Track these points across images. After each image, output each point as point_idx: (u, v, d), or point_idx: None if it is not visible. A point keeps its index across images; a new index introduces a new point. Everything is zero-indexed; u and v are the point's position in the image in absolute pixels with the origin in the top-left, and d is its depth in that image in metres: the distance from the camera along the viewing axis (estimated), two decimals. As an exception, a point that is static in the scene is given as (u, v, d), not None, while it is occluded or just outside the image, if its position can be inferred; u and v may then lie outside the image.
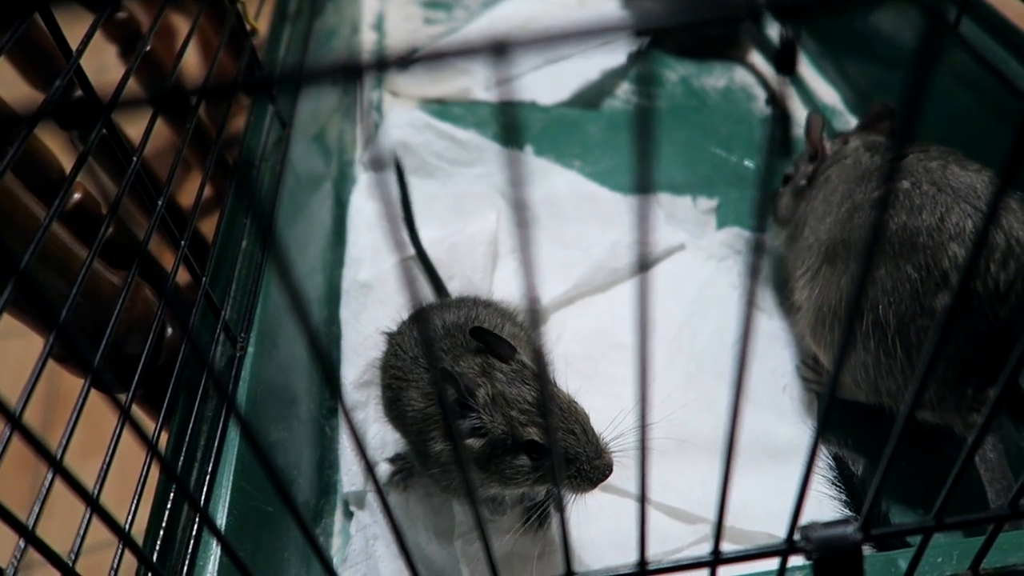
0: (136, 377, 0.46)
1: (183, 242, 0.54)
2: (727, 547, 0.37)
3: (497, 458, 0.54)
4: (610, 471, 0.54)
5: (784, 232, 0.79)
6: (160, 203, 0.51)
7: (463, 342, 0.59)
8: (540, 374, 0.54)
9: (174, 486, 0.49)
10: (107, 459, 0.41)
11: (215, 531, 0.32)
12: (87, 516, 0.37)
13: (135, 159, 0.49)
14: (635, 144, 0.24)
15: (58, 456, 0.37)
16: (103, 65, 1.10)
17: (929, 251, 0.58)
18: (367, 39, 1.34)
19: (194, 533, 0.48)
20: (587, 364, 0.78)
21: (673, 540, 0.65)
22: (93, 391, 0.45)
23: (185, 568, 0.47)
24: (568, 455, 0.53)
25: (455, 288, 0.82)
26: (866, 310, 0.60)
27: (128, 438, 0.48)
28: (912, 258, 0.58)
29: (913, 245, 0.58)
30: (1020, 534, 0.45)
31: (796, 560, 0.40)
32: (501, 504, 0.66)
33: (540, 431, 0.53)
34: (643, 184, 0.25)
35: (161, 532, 0.48)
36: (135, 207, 0.86)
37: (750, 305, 0.31)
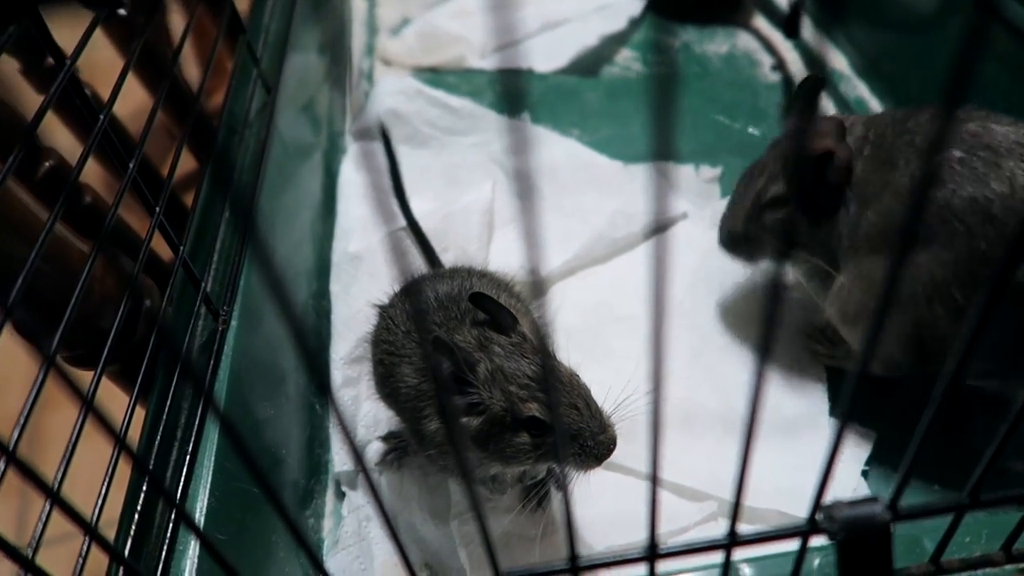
0: (103, 356, 0.42)
1: (158, 208, 0.50)
2: (742, 528, 0.34)
3: (496, 436, 0.51)
4: (614, 446, 0.51)
5: (806, 260, 0.68)
6: (132, 165, 0.47)
7: (457, 314, 0.56)
8: (541, 347, 0.51)
9: (151, 464, 0.46)
10: (70, 444, 0.38)
11: (191, 526, 0.30)
12: (47, 507, 0.34)
13: (102, 116, 0.45)
14: (654, 113, 0.21)
15: (11, 443, 0.33)
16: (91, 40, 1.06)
17: (1006, 222, 0.54)
18: (358, 7, 1.29)
19: (172, 519, 0.45)
20: (587, 337, 0.75)
21: (680, 518, 0.62)
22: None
23: (162, 556, 0.44)
24: (571, 431, 0.50)
25: (450, 260, 0.79)
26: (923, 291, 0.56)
27: (113, 412, 0.45)
28: (987, 232, 0.55)
29: (988, 217, 0.54)
30: (1054, 512, 0.42)
31: (815, 541, 0.37)
32: (501, 483, 0.63)
33: (541, 407, 0.50)
34: (662, 152, 0.22)
35: (136, 517, 0.45)
36: (115, 177, 0.82)
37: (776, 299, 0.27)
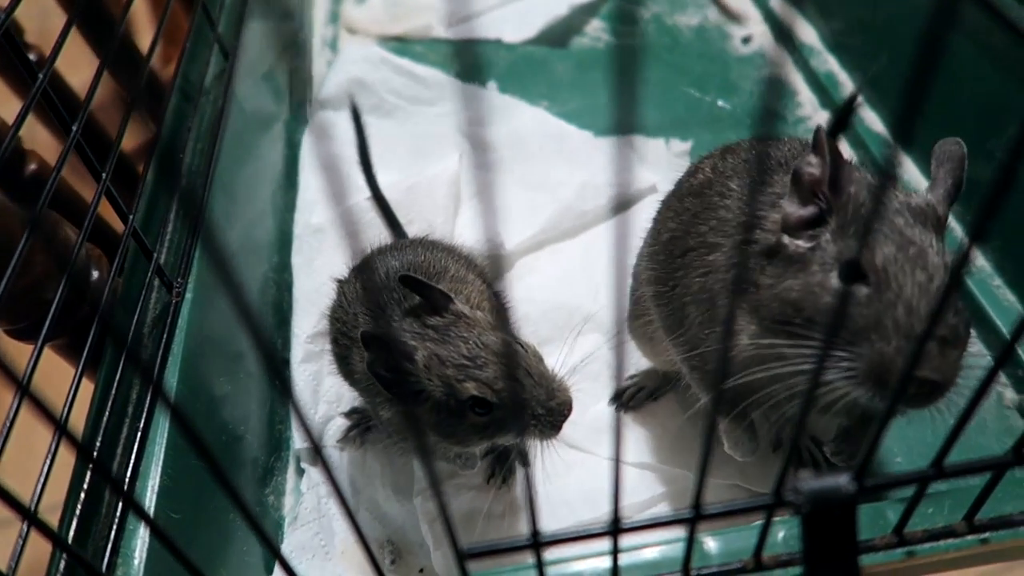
0: (42, 334, 0.40)
1: (104, 174, 0.48)
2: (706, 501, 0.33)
3: (444, 421, 0.49)
4: (568, 410, 0.49)
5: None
6: (75, 128, 0.45)
7: (399, 296, 0.54)
8: (479, 320, 0.50)
9: (98, 444, 0.44)
10: (6, 426, 0.36)
11: (140, 513, 0.28)
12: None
13: (41, 76, 0.43)
14: (616, 83, 0.20)
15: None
16: (45, 9, 1.01)
17: None
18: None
19: (120, 501, 0.44)
20: (559, 314, 0.74)
21: (640, 492, 0.62)
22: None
23: (111, 537, 0.43)
24: (517, 404, 0.48)
25: (414, 232, 0.77)
26: None
27: (62, 386, 0.43)
28: None
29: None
30: (1015, 482, 0.42)
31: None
32: (469, 458, 0.62)
33: (480, 385, 0.48)
34: (623, 124, 0.21)
35: (82, 497, 0.43)
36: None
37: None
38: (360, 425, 0.66)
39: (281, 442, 0.68)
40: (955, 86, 0.75)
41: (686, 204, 0.55)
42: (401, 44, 1.10)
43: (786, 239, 0.44)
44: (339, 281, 0.62)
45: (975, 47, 0.74)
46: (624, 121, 0.21)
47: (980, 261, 0.73)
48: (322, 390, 0.69)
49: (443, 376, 0.48)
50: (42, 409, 0.25)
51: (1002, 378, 0.66)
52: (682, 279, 0.52)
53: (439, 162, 0.86)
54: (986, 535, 0.41)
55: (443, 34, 1.11)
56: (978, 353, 0.65)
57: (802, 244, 0.43)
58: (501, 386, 0.47)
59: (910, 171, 0.83)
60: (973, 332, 0.68)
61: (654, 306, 0.56)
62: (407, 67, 0.98)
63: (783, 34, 1.05)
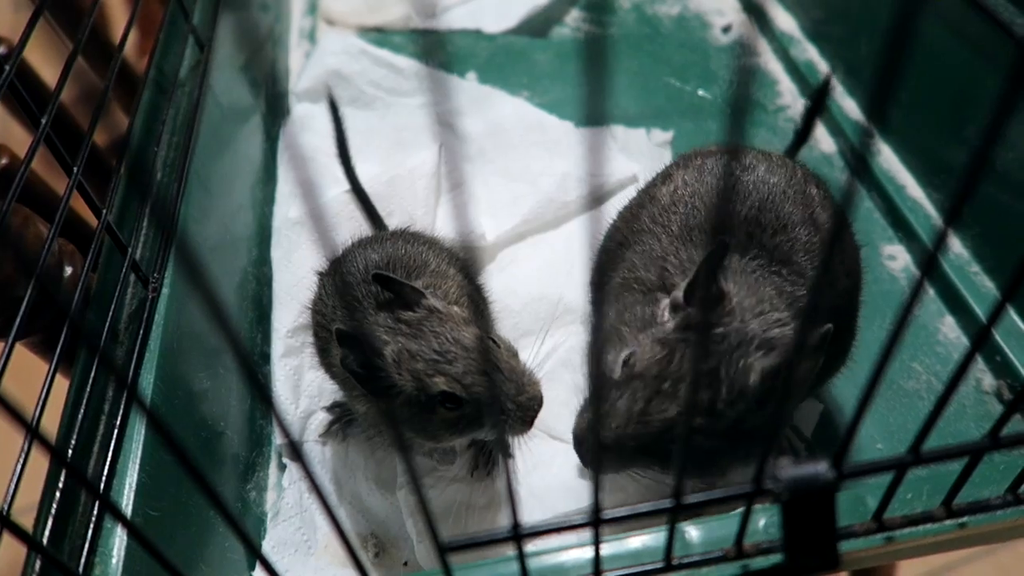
0: (12, 333, 0.39)
1: (76, 168, 0.47)
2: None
3: (416, 416, 0.50)
4: (538, 404, 0.50)
5: None
6: (44, 121, 0.44)
7: (376, 290, 0.54)
8: (452, 315, 0.50)
9: (73, 442, 0.44)
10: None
11: (117, 515, 0.28)
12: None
13: (9, 67, 0.42)
14: (587, 73, 0.20)
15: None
16: (15, 0, 1.00)
17: None
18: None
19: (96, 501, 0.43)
20: (541, 305, 0.74)
21: (621, 482, 0.62)
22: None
23: (88, 535, 0.42)
24: (487, 399, 0.48)
25: (395, 225, 0.77)
26: None
27: (37, 383, 0.42)
28: None
29: None
30: (992, 467, 0.43)
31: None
32: (448, 453, 0.62)
33: (449, 380, 0.48)
34: (595, 115, 0.21)
35: (57, 496, 0.42)
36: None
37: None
38: (342, 419, 0.66)
39: (262, 437, 0.67)
40: (931, 73, 0.76)
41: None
42: (380, 35, 1.09)
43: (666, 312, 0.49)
44: (320, 273, 0.61)
45: (950, 34, 0.74)
46: (595, 112, 0.21)
47: (958, 248, 0.73)
48: (303, 384, 0.69)
49: (413, 371, 0.48)
50: (11, 412, 0.25)
51: (980, 364, 0.67)
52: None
53: (419, 153, 0.85)
54: (964, 519, 0.41)
55: (422, 25, 1.10)
56: (956, 339, 0.66)
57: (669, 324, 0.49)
58: (470, 381, 0.48)
59: (887, 157, 0.83)
60: (952, 318, 0.70)
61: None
62: (386, 58, 0.97)
63: (761, 22, 1.05)
